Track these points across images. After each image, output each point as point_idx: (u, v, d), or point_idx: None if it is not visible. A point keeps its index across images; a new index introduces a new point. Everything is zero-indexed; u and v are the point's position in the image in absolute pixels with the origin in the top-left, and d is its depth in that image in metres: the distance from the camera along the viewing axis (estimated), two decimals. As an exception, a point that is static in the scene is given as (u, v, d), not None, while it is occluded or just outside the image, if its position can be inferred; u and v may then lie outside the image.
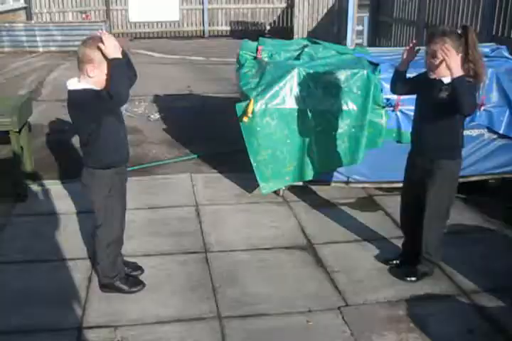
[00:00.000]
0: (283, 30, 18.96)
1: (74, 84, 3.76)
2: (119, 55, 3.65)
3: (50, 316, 3.94)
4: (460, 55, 3.76)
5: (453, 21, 10.52)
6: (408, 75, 4.33)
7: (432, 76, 3.97)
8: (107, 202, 3.98)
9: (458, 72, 3.65)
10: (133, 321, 3.90)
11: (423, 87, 4.11)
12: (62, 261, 4.66)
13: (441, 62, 3.82)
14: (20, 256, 4.75)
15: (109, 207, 4.01)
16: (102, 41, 3.62)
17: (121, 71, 3.68)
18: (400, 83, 4.35)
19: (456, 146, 4.11)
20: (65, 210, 5.58)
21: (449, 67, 3.67)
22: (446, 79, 3.87)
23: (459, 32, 3.84)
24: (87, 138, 3.84)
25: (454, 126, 4.00)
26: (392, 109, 5.45)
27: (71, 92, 3.75)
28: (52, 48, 16.15)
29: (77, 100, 3.73)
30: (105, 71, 3.66)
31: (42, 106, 9.76)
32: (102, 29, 15.18)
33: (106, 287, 4.22)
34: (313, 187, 6.00)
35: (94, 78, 3.68)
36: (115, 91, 3.60)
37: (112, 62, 3.61)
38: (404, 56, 4.25)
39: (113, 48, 3.63)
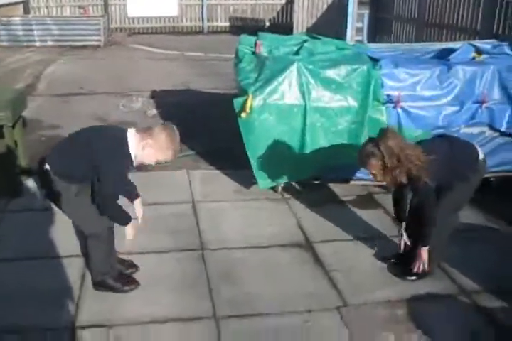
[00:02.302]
0: (282, 27, 18.83)
1: (132, 138, 3.76)
2: (124, 224, 3.96)
3: (42, 315, 3.87)
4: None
5: (453, 18, 10.45)
6: None
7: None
8: (76, 200, 3.89)
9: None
10: (127, 320, 3.82)
11: None
12: (56, 258, 4.59)
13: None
14: (14, 253, 4.66)
15: (82, 204, 3.90)
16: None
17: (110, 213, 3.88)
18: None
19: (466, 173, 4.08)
20: (59, 206, 5.49)
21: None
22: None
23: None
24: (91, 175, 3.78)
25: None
26: (392, 105, 5.36)
27: (124, 143, 3.74)
28: (50, 43, 16.06)
29: (120, 156, 3.73)
30: (155, 157, 3.81)
31: (38, 101, 9.68)
32: (99, 24, 15.01)
33: (99, 285, 4.14)
34: (312, 184, 5.91)
35: (143, 153, 3.77)
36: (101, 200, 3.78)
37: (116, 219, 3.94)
38: None
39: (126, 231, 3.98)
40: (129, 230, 3.97)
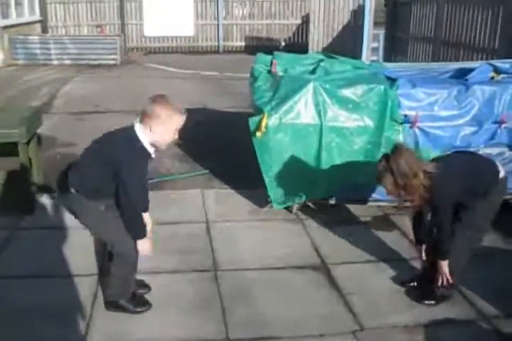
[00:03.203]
0: (298, 46, 18.87)
1: (139, 131, 3.70)
2: (141, 237, 3.86)
3: (52, 334, 3.81)
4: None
5: (470, 37, 10.39)
6: None
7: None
8: (105, 225, 3.86)
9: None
10: (138, 342, 3.75)
11: None
12: (68, 276, 4.53)
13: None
14: (24, 270, 4.62)
15: (111, 229, 3.86)
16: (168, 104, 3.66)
17: (131, 222, 3.81)
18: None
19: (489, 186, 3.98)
20: (72, 224, 5.37)
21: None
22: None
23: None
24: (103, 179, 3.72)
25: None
26: (410, 125, 5.29)
27: (134, 139, 3.68)
28: (67, 61, 16.21)
29: (136, 157, 3.67)
30: (170, 130, 3.70)
31: (54, 118, 9.71)
32: (116, 43, 15.10)
33: (111, 305, 4.08)
34: (327, 205, 5.82)
35: (157, 134, 3.68)
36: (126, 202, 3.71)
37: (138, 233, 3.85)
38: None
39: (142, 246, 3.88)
40: (144, 245, 3.89)
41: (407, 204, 4.05)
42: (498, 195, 4.04)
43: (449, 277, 4.00)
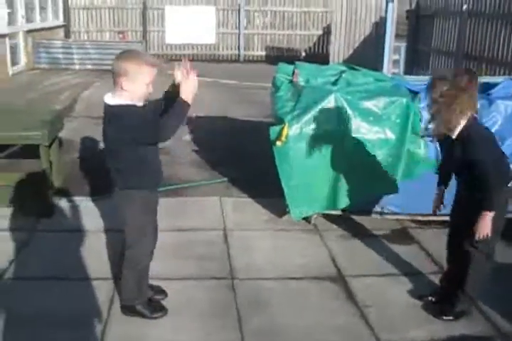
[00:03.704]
0: (319, 57, 18.90)
1: (112, 99, 3.62)
2: (190, 100, 3.63)
3: (66, 338, 3.80)
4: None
5: (493, 51, 10.35)
6: None
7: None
8: (139, 222, 3.87)
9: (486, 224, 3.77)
10: (153, 348, 3.75)
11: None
12: (85, 280, 4.54)
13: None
14: (41, 273, 4.64)
15: (142, 228, 3.89)
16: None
17: (180, 118, 3.63)
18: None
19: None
20: (91, 227, 5.48)
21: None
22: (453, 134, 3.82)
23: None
24: (125, 159, 3.67)
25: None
26: (431, 139, 5.26)
27: (113, 108, 3.59)
28: (89, 66, 16.34)
29: (121, 116, 3.55)
30: (142, 85, 3.56)
31: (75, 122, 9.78)
32: (137, 49, 15.27)
33: (127, 310, 4.07)
34: (346, 217, 5.80)
35: (129, 92, 3.56)
36: (163, 135, 3.58)
37: (179, 105, 3.61)
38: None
39: (191, 89, 3.67)
40: (188, 89, 3.71)
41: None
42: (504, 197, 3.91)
43: (489, 231, 3.79)
